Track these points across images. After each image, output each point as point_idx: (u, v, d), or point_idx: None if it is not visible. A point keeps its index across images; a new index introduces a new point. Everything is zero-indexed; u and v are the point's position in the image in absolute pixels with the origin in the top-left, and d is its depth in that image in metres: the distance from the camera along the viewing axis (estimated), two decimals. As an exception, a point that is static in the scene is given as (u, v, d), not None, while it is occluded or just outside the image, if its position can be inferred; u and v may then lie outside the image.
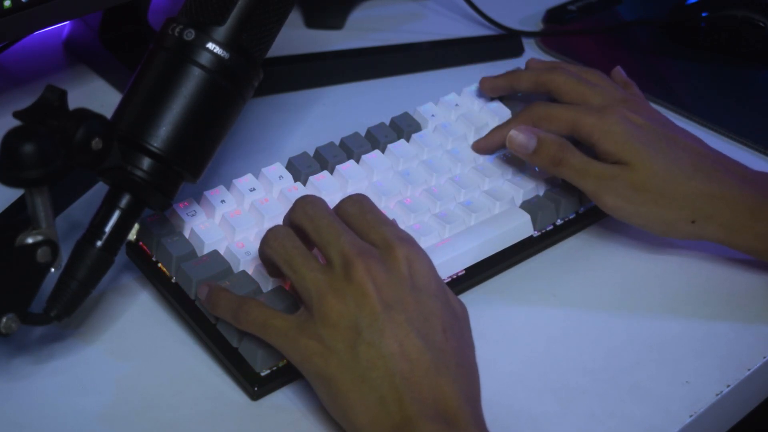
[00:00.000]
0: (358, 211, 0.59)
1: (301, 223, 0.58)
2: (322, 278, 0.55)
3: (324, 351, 0.54)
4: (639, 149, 0.67)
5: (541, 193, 0.72)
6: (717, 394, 0.63)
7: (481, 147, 0.75)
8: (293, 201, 0.66)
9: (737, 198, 0.67)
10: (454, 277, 0.67)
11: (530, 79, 0.76)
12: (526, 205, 0.71)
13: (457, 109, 0.78)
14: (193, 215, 0.66)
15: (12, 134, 0.49)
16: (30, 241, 0.54)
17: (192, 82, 0.59)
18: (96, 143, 0.53)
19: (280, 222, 0.66)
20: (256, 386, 0.59)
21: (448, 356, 0.54)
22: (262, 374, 0.60)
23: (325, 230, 0.57)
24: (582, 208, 0.73)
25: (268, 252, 0.59)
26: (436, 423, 0.52)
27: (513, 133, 0.70)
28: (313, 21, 0.96)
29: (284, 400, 0.60)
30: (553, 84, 0.74)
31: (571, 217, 0.73)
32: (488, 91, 0.79)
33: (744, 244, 0.68)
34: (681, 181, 0.67)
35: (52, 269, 0.56)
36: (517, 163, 0.74)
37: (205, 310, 0.62)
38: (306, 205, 0.59)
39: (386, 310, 0.54)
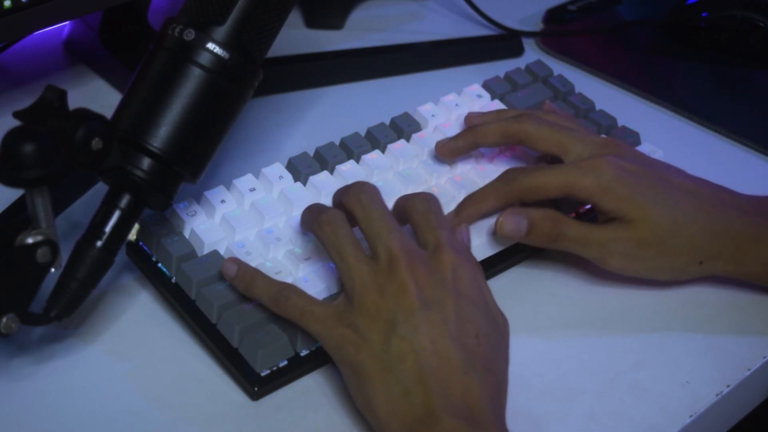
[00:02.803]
0: (426, 208, 0.61)
1: (353, 209, 0.60)
2: (367, 271, 0.57)
3: (358, 340, 0.55)
4: (640, 203, 0.65)
5: (541, 193, 0.72)
6: (717, 394, 0.63)
7: (454, 226, 0.66)
8: (293, 201, 0.67)
9: (739, 230, 0.66)
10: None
11: (497, 132, 0.70)
12: (526, 206, 0.71)
13: (457, 109, 0.78)
14: (193, 215, 0.66)
15: (12, 134, 0.49)
16: (30, 241, 0.54)
17: (192, 82, 0.59)
18: (96, 143, 0.53)
19: (280, 221, 0.67)
20: (256, 386, 0.59)
21: (477, 359, 0.55)
22: (262, 374, 0.60)
23: (376, 223, 0.58)
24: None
25: (319, 234, 0.59)
26: (459, 420, 0.52)
27: (500, 220, 0.66)
28: (313, 21, 0.96)
29: (284, 400, 0.60)
30: (524, 134, 0.69)
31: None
32: (447, 156, 0.72)
33: (750, 273, 0.67)
34: (684, 226, 0.65)
35: (52, 269, 0.56)
36: (517, 163, 0.74)
37: (206, 309, 0.62)
38: (361, 193, 0.60)
39: (424, 308, 0.55)
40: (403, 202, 0.62)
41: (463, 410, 0.53)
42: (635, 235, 0.65)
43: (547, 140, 0.68)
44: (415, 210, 0.61)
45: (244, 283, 0.61)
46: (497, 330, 0.58)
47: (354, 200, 0.60)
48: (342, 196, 0.61)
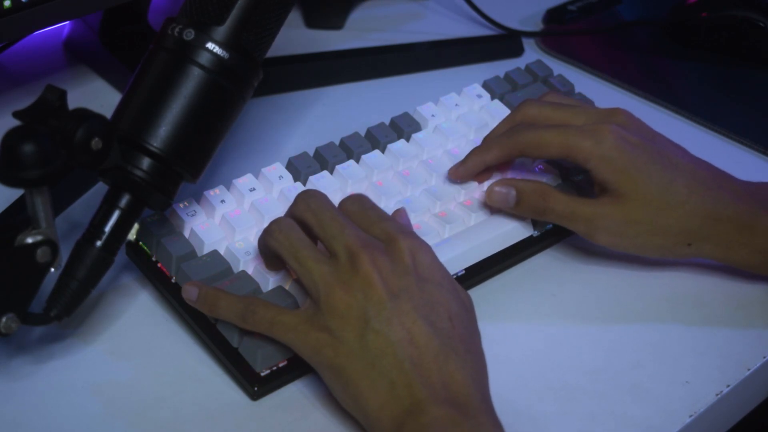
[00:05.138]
0: (359, 208, 0.60)
1: (304, 217, 0.59)
2: (328, 271, 0.56)
3: (333, 342, 0.55)
4: (635, 178, 0.65)
5: (541, 193, 0.72)
6: (717, 394, 0.63)
7: (460, 174, 0.70)
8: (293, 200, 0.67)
9: (731, 216, 0.66)
10: (455, 277, 0.67)
11: (504, 126, 0.70)
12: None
13: (457, 109, 0.78)
14: (193, 215, 0.66)
15: (12, 134, 0.49)
16: (30, 241, 0.54)
17: (192, 82, 0.59)
18: (96, 143, 0.53)
19: (280, 222, 0.67)
20: (256, 386, 0.59)
21: (456, 342, 0.55)
22: (262, 374, 0.60)
23: (328, 223, 0.58)
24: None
25: (272, 244, 0.59)
26: (446, 407, 0.52)
27: (490, 188, 0.68)
28: (313, 21, 0.96)
29: (284, 400, 0.60)
30: (529, 118, 0.69)
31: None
32: (462, 178, 0.71)
33: (740, 260, 0.67)
34: (675, 206, 0.65)
35: (52, 269, 0.56)
36: (517, 163, 0.73)
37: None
38: (309, 198, 0.59)
39: (393, 299, 0.55)
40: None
41: (449, 397, 0.53)
42: (624, 212, 0.65)
43: (551, 119, 0.68)
44: (351, 212, 0.60)
45: (207, 304, 0.60)
46: (465, 308, 0.58)
47: (303, 207, 0.59)
48: (290, 207, 0.61)
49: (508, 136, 0.68)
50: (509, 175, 0.72)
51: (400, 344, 0.54)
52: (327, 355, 0.55)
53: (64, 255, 0.57)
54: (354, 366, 0.54)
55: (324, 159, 0.72)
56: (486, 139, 0.72)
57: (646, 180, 0.65)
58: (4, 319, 0.54)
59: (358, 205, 0.60)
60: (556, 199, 0.67)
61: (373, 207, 0.60)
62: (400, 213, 0.64)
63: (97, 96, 0.84)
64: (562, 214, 0.67)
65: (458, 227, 0.69)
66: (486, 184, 0.71)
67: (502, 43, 0.95)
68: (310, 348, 0.56)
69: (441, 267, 0.58)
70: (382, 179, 0.71)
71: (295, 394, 0.60)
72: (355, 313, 0.55)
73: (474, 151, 0.70)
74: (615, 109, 0.69)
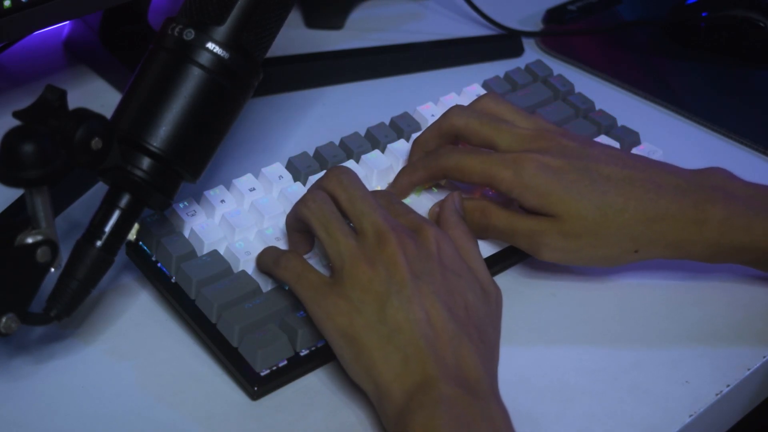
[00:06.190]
0: (387, 201, 0.63)
1: (334, 192, 0.60)
2: (355, 245, 0.58)
3: (350, 311, 0.56)
4: (563, 199, 0.64)
5: (541, 193, 0.72)
6: (717, 394, 0.63)
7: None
8: (293, 201, 0.67)
9: (676, 215, 0.64)
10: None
11: (433, 134, 0.69)
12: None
13: (457, 109, 0.78)
14: (193, 215, 0.66)
15: (12, 134, 0.49)
16: (30, 241, 0.54)
17: (192, 82, 0.59)
18: (96, 143, 0.53)
19: (279, 221, 0.67)
20: (256, 386, 0.59)
21: (471, 330, 0.56)
22: (262, 374, 0.60)
23: (359, 201, 0.59)
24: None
25: (305, 213, 0.60)
26: (457, 386, 0.53)
27: (433, 208, 0.67)
28: (313, 21, 0.96)
29: (284, 400, 0.60)
30: (455, 129, 0.68)
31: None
32: (402, 195, 0.70)
33: (692, 255, 0.66)
34: (613, 218, 0.64)
35: (52, 269, 0.56)
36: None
37: (205, 309, 0.62)
38: (341, 174, 0.61)
39: (414, 280, 0.56)
40: None
41: (460, 378, 0.54)
42: (562, 228, 0.64)
43: (477, 134, 0.67)
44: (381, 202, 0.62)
45: (258, 257, 0.64)
46: (487, 301, 0.59)
47: (335, 182, 0.61)
48: (321, 181, 0.62)
49: (435, 158, 0.67)
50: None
51: (417, 323, 0.55)
52: (341, 323, 0.56)
53: (64, 255, 0.57)
54: (369, 337, 0.55)
55: (324, 159, 0.72)
56: (415, 144, 0.71)
57: (576, 197, 0.64)
58: (4, 319, 0.54)
59: (387, 199, 0.63)
60: (497, 215, 0.66)
61: (398, 202, 0.63)
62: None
63: (97, 96, 0.84)
64: (503, 230, 0.66)
65: (458, 227, 0.69)
66: None
67: (502, 43, 0.95)
68: (323, 311, 0.57)
69: (462, 259, 0.60)
70: (382, 179, 0.71)
71: (295, 394, 0.60)
72: (376, 288, 0.56)
73: (401, 172, 0.70)
74: (538, 131, 0.67)
